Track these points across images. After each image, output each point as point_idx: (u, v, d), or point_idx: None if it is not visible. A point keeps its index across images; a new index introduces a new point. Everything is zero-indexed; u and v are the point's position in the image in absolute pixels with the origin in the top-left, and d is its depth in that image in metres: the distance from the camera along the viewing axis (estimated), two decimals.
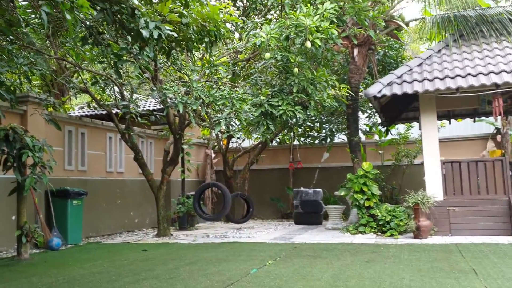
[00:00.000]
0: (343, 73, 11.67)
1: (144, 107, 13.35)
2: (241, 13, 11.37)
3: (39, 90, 11.29)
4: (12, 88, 6.73)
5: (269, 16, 11.45)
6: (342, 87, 9.17)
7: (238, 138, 12.70)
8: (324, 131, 12.40)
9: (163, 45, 4.95)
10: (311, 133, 12.70)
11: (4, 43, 6.44)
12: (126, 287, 4.68)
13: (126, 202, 10.98)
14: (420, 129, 9.66)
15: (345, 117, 11.14)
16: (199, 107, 7.28)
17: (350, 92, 9.65)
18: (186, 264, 6.01)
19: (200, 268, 5.68)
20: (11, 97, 6.41)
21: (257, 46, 8.22)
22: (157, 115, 9.11)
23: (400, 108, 11.20)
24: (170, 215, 11.08)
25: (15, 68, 6.44)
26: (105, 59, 7.08)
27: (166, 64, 8.40)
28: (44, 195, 8.52)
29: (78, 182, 9.55)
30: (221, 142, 13.08)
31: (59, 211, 8.60)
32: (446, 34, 9.88)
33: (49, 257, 7.04)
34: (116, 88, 9.09)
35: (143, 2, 5.51)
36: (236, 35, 11.34)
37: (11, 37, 6.30)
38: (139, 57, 5.70)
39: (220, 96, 7.36)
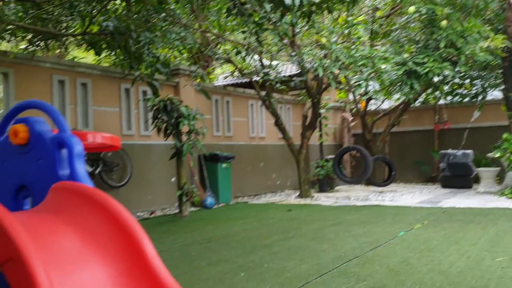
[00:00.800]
0: (497, 23, 10.46)
1: (281, 73, 13.62)
2: None
3: (187, 63, 12.21)
4: (166, 62, 7.39)
5: None
6: (497, 38, 8.25)
7: (377, 99, 12.29)
8: (474, 88, 11.36)
9: (304, 10, 4.98)
10: (460, 91, 11.74)
11: (156, 20, 7.07)
12: (277, 243, 4.97)
13: (268, 165, 11.50)
14: None
15: (500, 71, 10.05)
16: (338, 70, 7.21)
17: (506, 43, 8.65)
18: (330, 225, 6.15)
19: (345, 229, 5.77)
20: (167, 70, 7.06)
21: (397, 1, 7.78)
22: (296, 81, 9.26)
23: None
24: (310, 178, 11.33)
25: (168, 44, 7.03)
26: (246, 29, 7.36)
27: (304, 28, 8.41)
28: (197, 159, 9.34)
29: (225, 147, 10.24)
30: (358, 104, 12.81)
31: (211, 174, 9.37)
32: None
33: (205, 215, 7.76)
34: (256, 56, 9.42)
35: None
36: None
37: (163, 14, 6.89)
38: (278, 24, 5.82)
39: (360, 57, 7.19)
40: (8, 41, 6.96)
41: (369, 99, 11.90)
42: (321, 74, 6.95)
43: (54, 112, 1.95)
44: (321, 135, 11.87)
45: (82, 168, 1.88)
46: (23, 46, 7.70)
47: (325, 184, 11.20)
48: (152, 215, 8.01)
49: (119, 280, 1.57)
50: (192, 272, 3.88)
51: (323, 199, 9.55)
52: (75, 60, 9.43)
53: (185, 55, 12.33)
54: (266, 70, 8.87)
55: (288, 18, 5.33)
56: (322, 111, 11.19)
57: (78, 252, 1.55)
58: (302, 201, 9.25)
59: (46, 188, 1.85)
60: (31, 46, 6.51)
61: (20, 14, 5.81)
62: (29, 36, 6.45)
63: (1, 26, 5.01)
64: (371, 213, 7.16)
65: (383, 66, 7.15)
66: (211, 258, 4.37)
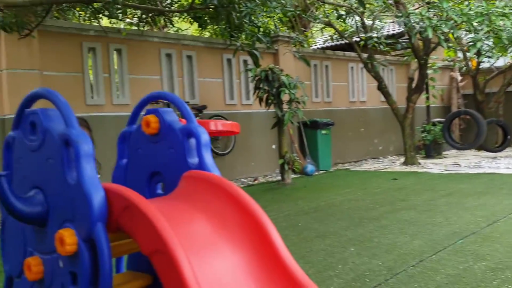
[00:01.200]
0: None
1: (383, 33, 12.95)
2: None
3: (283, 28, 12.09)
4: (267, 31, 7.37)
5: None
6: None
7: (492, 57, 11.23)
8: None
9: None
10: None
11: None
12: (385, 216, 4.87)
13: (369, 130, 11.18)
14: None
15: None
16: (449, 29, 6.67)
17: None
18: (441, 195, 5.87)
19: (458, 201, 5.47)
20: (267, 39, 7.05)
21: None
22: (403, 42, 8.77)
23: None
24: (415, 143, 10.83)
25: (269, 12, 6.99)
26: None
27: None
28: (297, 127, 9.36)
29: (325, 113, 10.12)
30: (469, 63, 11.83)
31: (310, 141, 9.35)
32: None
33: (307, 182, 7.81)
34: (357, 17, 9.04)
35: None
36: None
37: None
38: None
39: (475, 14, 6.57)
40: (120, 20, 7.38)
41: (480, 55, 10.91)
42: (430, 35, 6.48)
43: (181, 104, 2.05)
44: (428, 98, 11.22)
45: (209, 157, 1.96)
46: (128, 21, 8.11)
47: (432, 150, 10.65)
48: (255, 182, 8.25)
49: (249, 268, 1.64)
50: (301, 244, 3.96)
51: (431, 166, 9.12)
52: (178, 32, 9.76)
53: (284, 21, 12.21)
54: (369, 34, 8.48)
55: None
56: (429, 71, 10.53)
57: (212, 239, 1.63)
58: (408, 169, 8.91)
59: (177, 175, 1.96)
60: (140, 22, 6.85)
61: None
62: (138, 14, 6.78)
63: (114, 6, 5.31)
64: (485, 183, 6.71)
65: (502, 23, 6.47)
66: (318, 230, 4.42)
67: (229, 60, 8.57)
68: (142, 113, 2.13)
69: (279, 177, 8.26)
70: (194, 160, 1.97)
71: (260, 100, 7.29)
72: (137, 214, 1.48)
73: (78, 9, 7.79)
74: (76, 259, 1.54)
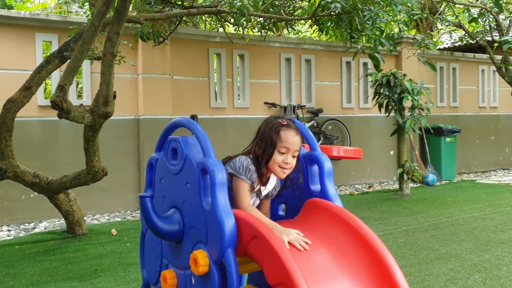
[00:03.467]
0: None
1: None
2: None
3: (408, 30, 11.55)
4: (391, 35, 7.12)
5: None
6: None
7: None
8: None
9: None
10: None
11: None
12: None
13: (500, 138, 10.25)
14: None
15: None
16: None
17: None
18: None
19: None
20: (390, 42, 6.81)
21: None
22: None
23: None
24: None
25: (394, 15, 6.74)
26: None
27: None
28: (418, 133, 8.92)
29: (450, 119, 9.50)
30: None
31: (433, 148, 8.85)
32: None
33: (427, 193, 7.41)
34: (491, 17, 8.32)
35: None
36: None
37: None
38: None
39: None
40: (245, 28, 7.68)
41: None
42: None
43: (306, 131, 2.09)
44: None
45: (332, 186, 1.98)
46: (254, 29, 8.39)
47: None
48: (371, 189, 8.05)
49: None
50: (420, 265, 3.79)
51: None
52: (298, 35, 9.86)
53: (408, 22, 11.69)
54: (506, 38, 7.75)
55: None
56: None
57: (334, 273, 1.65)
58: None
59: (300, 201, 2.02)
60: (263, 30, 7.05)
61: (255, 1, 6.32)
62: (262, 21, 6.98)
63: (241, 17, 5.53)
64: None
65: None
66: (439, 251, 4.18)
67: (348, 63, 8.45)
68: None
69: (396, 185, 7.97)
70: (316, 187, 2.00)
71: (380, 105, 7.08)
72: (265, 245, 1.56)
73: (206, 15, 8.26)
74: (207, 279, 1.67)
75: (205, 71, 7.09)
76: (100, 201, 6.20)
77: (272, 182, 2.01)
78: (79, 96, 6.98)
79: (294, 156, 1.91)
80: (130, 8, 6.01)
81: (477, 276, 3.52)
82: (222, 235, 1.60)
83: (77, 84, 6.85)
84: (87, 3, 5.82)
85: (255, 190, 1.91)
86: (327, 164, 1.99)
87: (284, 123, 1.89)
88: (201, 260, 1.63)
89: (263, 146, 1.88)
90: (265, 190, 1.98)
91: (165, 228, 1.77)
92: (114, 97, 3.46)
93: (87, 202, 5.84)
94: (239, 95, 7.50)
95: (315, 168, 2.01)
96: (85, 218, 5.30)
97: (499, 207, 6.10)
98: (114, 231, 5.12)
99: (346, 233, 1.75)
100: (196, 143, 1.80)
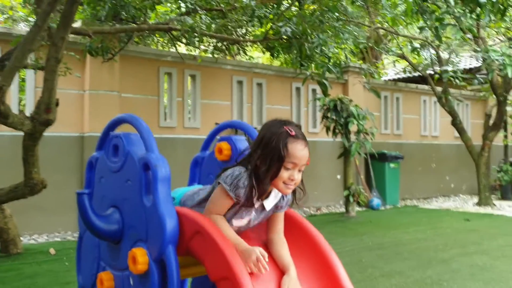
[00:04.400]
0: None
1: (459, 67, 12.52)
2: None
3: (354, 59, 12.02)
4: (337, 62, 7.36)
5: None
6: None
7: None
8: None
9: (500, 4, 4.46)
10: None
11: (329, 20, 7.06)
12: (455, 259, 4.60)
13: (441, 166, 10.71)
14: None
15: None
16: None
17: None
18: None
19: None
20: (337, 70, 7.03)
21: None
22: (480, 78, 8.39)
23: None
24: (491, 183, 10.22)
25: (341, 44, 6.99)
26: (424, 25, 6.92)
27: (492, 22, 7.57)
28: (364, 158, 9.17)
29: (394, 146, 9.84)
30: None
31: (377, 173, 9.10)
32: None
33: (372, 217, 7.57)
34: (432, 50, 8.81)
35: None
36: None
37: (337, 14, 6.86)
38: (462, 19, 5.32)
39: None
40: (197, 47, 7.70)
41: None
42: (510, 74, 6.16)
43: (253, 132, 2.09)
44: (506, 136, 10.60)
45: None
46: (203, 48, 8.43)
47: (509, 191, 9.99)
48: (318, 212, 8.13)
49: None
50: (365, 282, 3.82)
51: (507, 208, 8.54)
52: (250, 60, 10.00)
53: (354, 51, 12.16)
54: (445, 68, 8.22)
55: (478, 14, 4.82)
56: (509, 108, 9.97)
57: (277, 270, 1.61)
58: (482, 210, 8.40)
59: None
60: (215, 50, 7.10)
61: (208, 22, 6.38)
62: (214, 42, 7.04)
63: (193, 35, 5.54)
64: None
65: None
66: (383, 269, 4.25)
67: (298, 89, 8.63)
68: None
69: (342, 209, 8.09)
70: None
71: (327, 129, 7.24)
72: (207, 239, 1.51)
73: (157, 35, 8.23)
74: (146, 278, 1.59)
75: (155, 90, 7.01)
76: (38, 220, 5.88)
77: (276, 195, 1.73)
78: (21, 112, 6.67)
79: (300, 170, 1.66)
80: (80, 24, 5.91)
81: None
82: (163, 231, 1.54)
83: (20, 101, 6.57)
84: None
85: (256, 206, 1.66)
86: None
87: (292, 133, 1.59)
88: (140, 258, 1.56)
89: (268, 161, 1.57)
90: (268, 204, 1.70)
91: (104, 227, 1.69)
92: (57, 104, 3.33)
93: (24, 221, 5.51)
94: (189, 115, 7.45)
95: None
96: (21, 238, 5.00)
97: (440, 230, 6.32)
98: (52, 251, 4.86)
99: (294, 232, 1.73)
100: (139, 139, 1.74)
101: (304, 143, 1.63)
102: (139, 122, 1.72)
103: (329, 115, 7.17)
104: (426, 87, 10.09)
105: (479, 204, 8.90)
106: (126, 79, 6.70)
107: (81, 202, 1.68)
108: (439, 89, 9.12)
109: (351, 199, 7.31)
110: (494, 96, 9.02)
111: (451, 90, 9.78)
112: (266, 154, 1.57)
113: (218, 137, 2.23)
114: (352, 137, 7.30)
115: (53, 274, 4.00)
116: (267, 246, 1.68)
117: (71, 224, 6.07)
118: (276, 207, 1.75)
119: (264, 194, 1.66)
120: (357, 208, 8.46)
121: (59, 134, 6.14)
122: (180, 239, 1.58)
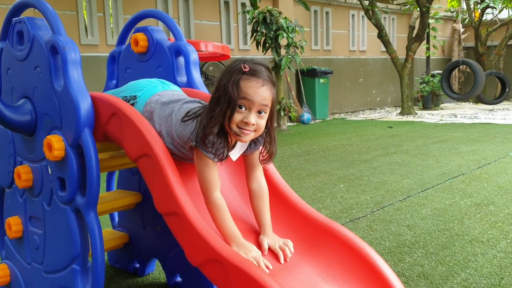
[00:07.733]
0: None
1: None
2: None
3: None
4: None
5: None
6: None
7: (495, 8, 11.02)
8: None
9: None
10: None
11: None
12: (377, 159, 4.93)
13: (368, 80, 11.11)
14: None
15: None
16: None
17: None
18: (434, 142, 5.93)
19: (451, 146, 5.53)
20: None
21: None
22: None
23: None
24: (413, 94, 10.80)
25: None
26: None
27: None
28: (294, 74, 9.28)
29: (323, 61, 10.01)
30: (472, 14, 11.62)
31: (308, 89, 9.29)
32: None
33: (302, 129, 7.84)
34: None
35: None
36: None
37: None
38: None
39: None
40: None
41: (486, 7, 10.72)
42: None
43: (171, 22, 2.02)
44: (428, 48, 11.08)
45: (198, 76, 1.96)
46: None
47: (430, 101, 10.64)
48: None
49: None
50: (292, 181, 4.03)
51: (427, 116, 9.14)
52: None
53: None
54: None
55: None
56: (431, 21, 10.34)
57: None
58: (404, 118, 8.93)
59: None
60: None
61: None
62: None
63: None
64: (479, 132, 6.75)
65: None
66: (310, 169, 4.48)
67: (226, 3, 8.38)
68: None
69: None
70: (182, 78, 1.97)
71: (257, 43, 7.19)
72: (124, 120, 1.49)
73: None
74: (64, 165, 1.57)
75: (72, 5, 6.53)
76: None
77: (243, 145, 1.52)
78: None
79: (260, 114, 1.40)
80: None
81: (342, 185, 3.85)
82: (77, 114, 1.50)
83: None
84: None
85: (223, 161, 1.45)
86: (193, 55, 1.96)
87: (246, 69, 1.37)
88: (55, 144, 1.52)
89: (221, 102, 1.36)
90: (235, 155, 1.50)
91: (15, 117, 1.61)
92: None
93: None
94: (112, 31, 7.07)
95: (181, 59, 1.97)
96: None
97: (364, 136, 6.68)
98: None
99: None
100: (45, 24, 1.63)
101: (261, 80, 1.38)
102: (44, 4, 1.60)
103: (258, 28, 7.09)
104: (355, 0, 10.15)
105: (401, 113, 9.44)
106: None
107: None
108: (366, 2, 9.21)
109: (282, 113, 7.46)
110: (418, 8, 9.28)
111: (380, 5, 9.92)
112: (219, 96, 1.38)
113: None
114: (282, 51, 7.32)
115: None
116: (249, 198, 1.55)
117: None
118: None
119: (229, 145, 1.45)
120: (289, 123, 8.70)
121: None
122: (97, 123, 1.55)
